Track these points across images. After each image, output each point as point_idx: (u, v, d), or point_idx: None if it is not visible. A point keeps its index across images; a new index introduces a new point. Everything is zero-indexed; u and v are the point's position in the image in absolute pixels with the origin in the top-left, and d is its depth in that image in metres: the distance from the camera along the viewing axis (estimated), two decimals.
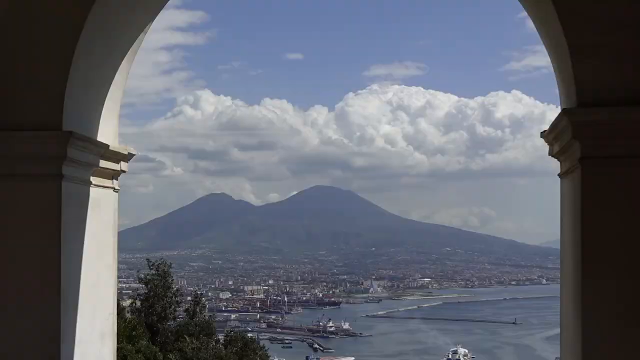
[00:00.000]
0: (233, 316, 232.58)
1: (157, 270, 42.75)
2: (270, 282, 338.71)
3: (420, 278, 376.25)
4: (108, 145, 8.44)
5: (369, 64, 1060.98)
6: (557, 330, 8.14)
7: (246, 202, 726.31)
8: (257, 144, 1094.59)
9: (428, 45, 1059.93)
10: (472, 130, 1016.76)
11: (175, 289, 44.87)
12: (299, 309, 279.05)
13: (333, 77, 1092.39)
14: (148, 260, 45.18)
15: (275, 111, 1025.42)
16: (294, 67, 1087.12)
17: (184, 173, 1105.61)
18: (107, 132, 8.64)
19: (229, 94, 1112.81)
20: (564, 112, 6.99)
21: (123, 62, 8.75)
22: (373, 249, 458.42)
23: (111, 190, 8.81)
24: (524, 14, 7.97)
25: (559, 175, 7.80)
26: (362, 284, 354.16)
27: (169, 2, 8.66)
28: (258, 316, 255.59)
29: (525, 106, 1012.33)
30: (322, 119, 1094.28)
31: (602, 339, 6.71)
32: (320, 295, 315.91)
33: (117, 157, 8.72)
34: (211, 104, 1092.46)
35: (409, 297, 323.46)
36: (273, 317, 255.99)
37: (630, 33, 6.78)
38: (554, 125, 7.34)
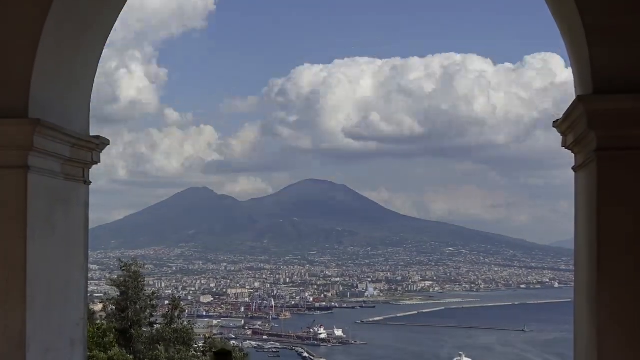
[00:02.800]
0: (215, 322, 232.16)
1: (129, 272, 42.70)
2: (256, 284, 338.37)
3: (421, 281, 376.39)
4: (79, 134, 8.43)
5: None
6: (571, 338, 8.15)
7: (230, 196, 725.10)
8: None
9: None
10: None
11: (150, 291, 44.83)
12: (288, 314, 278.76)
13: None
14: (120, 260, 45.12)
15: None
16: None
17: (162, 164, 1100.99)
18: (78, 120, 8.62)
19: None
20: (578, 99, 6.96)
21: (95, 44, 8.73)
22: (369, 248, 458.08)
23: (82, 183, 8.79)
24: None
25: (573, 168, 7.79)
26: (357, 287, 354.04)
27: None
28: (242, 322, 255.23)
29: None
30: None
31: (619, 345, 6.71)
32: (311, 299, 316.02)
33: (88, 146, 8.68)
34: None
35: (408, 302, 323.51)
36: (259, 323, 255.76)
37: None
38: (568, 113, 7.31)
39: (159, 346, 39.88)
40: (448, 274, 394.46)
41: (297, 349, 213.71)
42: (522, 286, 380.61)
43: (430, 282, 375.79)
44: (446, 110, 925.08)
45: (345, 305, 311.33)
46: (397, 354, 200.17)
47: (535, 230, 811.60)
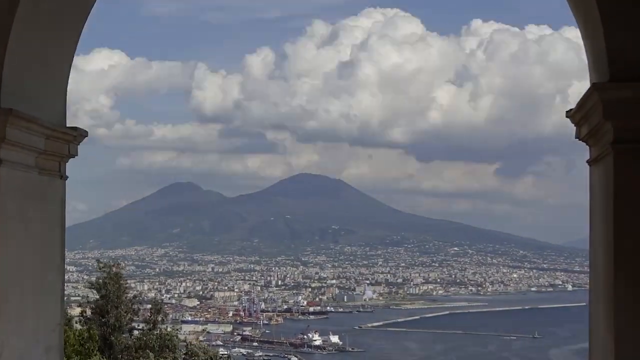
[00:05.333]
0: (201, 328, 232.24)
1: (109, 273, 42.63)
2: (246, 287, 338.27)
3: (423, 283, 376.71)
4: (54, 125, 8.41)
5: None
6: (585, 345, 8.16)
7: (217, 192, 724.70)
8: None
9: None
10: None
11: (131, 295, 44.84)
12: (280, 319, 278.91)
13: None
14: (98, 261, 45.09)
15: None
16: None
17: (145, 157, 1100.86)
18: (54, 109, 8.61)
19: None
20: (593, 87, 6.92)
21: (72, 30, 8.70)
22: (367, 248, 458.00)
23: (58, 178, 8.78)
24: None
25: (587, 162, 7.77)
26: (354, 289, 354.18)
27: None
28: (231, 328, 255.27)
29: None
30: None
31: (638, 352, 6.70)
32: (305, 303, 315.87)
33: (65, 138, 8.67)
34: None
35: (409, 306, 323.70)
36: (248, 329, 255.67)
37: None
38: (582, 102, 7.28)
39: (149, 353, 39.87)
40: (453, 276, 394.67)
41: (289, 356, 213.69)
42: (533, 289, 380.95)
43: (434, 285, 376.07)
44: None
45: (341, 310, 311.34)
46: None
47: (547, 228, 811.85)
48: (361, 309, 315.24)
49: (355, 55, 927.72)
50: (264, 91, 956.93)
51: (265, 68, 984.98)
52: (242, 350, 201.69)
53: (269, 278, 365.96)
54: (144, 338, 42.27)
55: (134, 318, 44.04)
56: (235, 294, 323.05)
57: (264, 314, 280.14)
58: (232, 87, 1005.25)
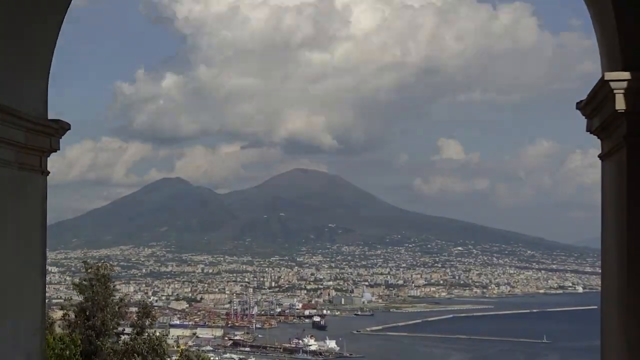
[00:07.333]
0: (190, 332, 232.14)
1: (96, 275, 42.48)
2: (237, 289, 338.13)
3: (425, 285, 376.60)
4: (35, 118, 8.38)
5: None
6: (597, 348, 8.15)
7: (208, 188, 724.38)
8: None
9: None
10: None
11: (118, 297, 44.77)
12: (273, 322, 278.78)
13: None
14: (85, 262, 45.02)
15: None
16: None
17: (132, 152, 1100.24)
18: (34, 101, 8.58)
19: None
20: (605, 77, 6.90)
21: (53, 18, 8.68)
22: (366, 248, 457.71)
23: (39, 173, 8.75)
24: None
25: (599, 156, 7.75)
26: (352, 292, 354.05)
27: None
28: (221, 332, 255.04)
29: None
30: None
31: None
32: (300, 305, 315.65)
33: (46, 131, 8.64)
34: None
35: (410, 309, 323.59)
36: (240, 333, 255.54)
37: None
38: (593, 94, 7.24)
39: (137, 358, 39.79)
40: (456, 277, 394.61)
41: None
42: (541, 291, 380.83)
43: (436, 287, 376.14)
44: None
45: (338, 313, 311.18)
46: None
47: (556, 226, 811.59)
48: (359, 312, 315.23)
49: None
50: None
51: None
52: (234, 356, 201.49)
53: (262, 279, 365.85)
54: (132, 342, 42.25)
55: (121, 322, 44.01)
56: (226, 296, 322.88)
57: (257, 317, 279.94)
58: None
